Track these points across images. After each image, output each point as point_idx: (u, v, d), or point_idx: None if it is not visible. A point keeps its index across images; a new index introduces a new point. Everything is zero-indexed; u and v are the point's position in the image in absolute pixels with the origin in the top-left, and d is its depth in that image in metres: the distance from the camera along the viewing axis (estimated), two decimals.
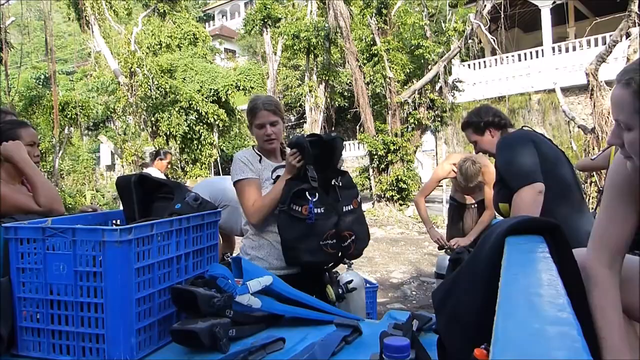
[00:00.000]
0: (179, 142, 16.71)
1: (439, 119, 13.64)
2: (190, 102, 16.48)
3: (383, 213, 12.69)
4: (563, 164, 2.20)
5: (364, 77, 13.46)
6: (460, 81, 14.12)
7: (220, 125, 17.41)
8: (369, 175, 13.85)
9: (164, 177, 5.32)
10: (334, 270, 2.08)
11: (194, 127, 16.82)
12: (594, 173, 8.72)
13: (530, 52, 18.38)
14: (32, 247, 1.22)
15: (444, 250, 3.51)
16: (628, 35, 8.68)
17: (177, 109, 16.42)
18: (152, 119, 16.56)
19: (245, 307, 1.30)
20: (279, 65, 17.90)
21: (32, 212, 1.78)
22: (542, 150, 2.10)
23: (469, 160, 3.40)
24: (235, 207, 2.78)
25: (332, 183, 1.99)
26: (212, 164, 17.55)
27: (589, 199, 8.88)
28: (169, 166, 5.41)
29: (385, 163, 13.01)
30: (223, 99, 17.48)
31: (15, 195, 1.85)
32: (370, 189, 13.83)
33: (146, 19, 19.04)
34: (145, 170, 5.69)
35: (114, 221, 1.67)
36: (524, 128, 2.33)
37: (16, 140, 1.92)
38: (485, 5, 11.74)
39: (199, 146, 16.66)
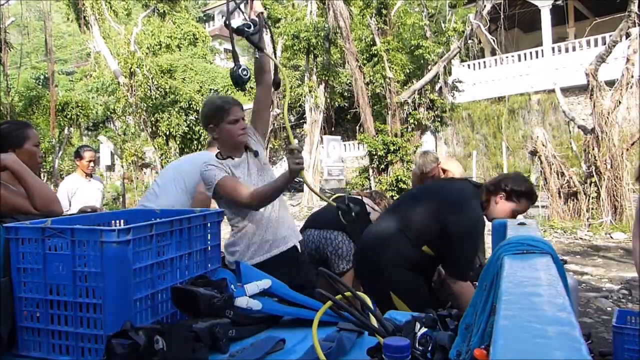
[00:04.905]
0: (178, 142, 16.71)
1: (439, 120, 13.65)
2: (190, 102, 16.48)
3: None
4: None
5: (364, 78, 13.47)
6: (460, 81, 14.13)
7: None
8: (368, 175, 13.85)
9: (89, 179, 4.47)
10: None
11: (193, 127, 16.82)
12: (594, 174, 8.73)
13: (530, 52, 18.39)
14: (33, 247, 1.23)
15: None
16: (628, 35, 8.69)
17: (176, 109, 16.42)
18: (152, 119, 16.56)
19: (246, 308, 1.30)
20: None
21: (31, 214, 1.78)
22: None
23: (421, 153, 3.88)
24: None
25: None
26: None
27: (588, 199, 8.89)
28: (92, 164, 4.52)
29: (385, 163, 13.02)
30: None
31: (15, 198, 1.85)
32: (370, 188, 13.84)
33: (146, 19, 19.05)
34: (65, 180, 4.71)
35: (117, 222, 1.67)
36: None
37: (25, 140, 2.07)
38: (485, 6, 11.75)
39: (199, 146, 16.66)
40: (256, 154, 2.22)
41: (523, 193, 2.25)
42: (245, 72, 2.07)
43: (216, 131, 2.13)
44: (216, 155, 2.19)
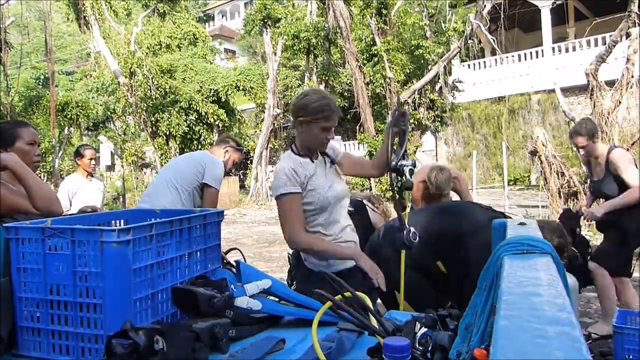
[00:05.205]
0: (178, 142, 16.70)
1: (439, 119, 13.66)
2: (190, 102, 16.48)
3: None
4: None
5: (364, 77, 13.47)
6: (460, 81, 14.14)
7: (220, 125, 17.41)
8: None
9: (89, 178, 4.49)
10: None
11: (193, 127, 16.82)
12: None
13: (530, 52, 18.39)
14: (33, 247, 1.22)
15: None
16: (628, 35, 8.68)
17: (177, 109, 16.42)
18: (152, 119, 16.56)
19: (246, 308, 1.30)
20: (278, 66, 17.89)
21: (31, 214, 1.78)
22: None
23: (435, 169, 3.34)
24: None
25: None
26: None
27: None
28: (93, 162, 4.50)
29: None
30: (223, 99, 17.49)
31: (15, 198, 1.85)
32: (370, 189, 13.83)
33: (146, 19, 19.05)
34: (65, 180, 4.71)
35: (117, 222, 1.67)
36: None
37: (16, 139, 2.04)
38: (485, 6, 11.74)
39: (199, 146, 16.66)
40: (332, 162, 2.20)
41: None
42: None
43: (303, 125, 2.05)
44: (291, 149, 2.13)
